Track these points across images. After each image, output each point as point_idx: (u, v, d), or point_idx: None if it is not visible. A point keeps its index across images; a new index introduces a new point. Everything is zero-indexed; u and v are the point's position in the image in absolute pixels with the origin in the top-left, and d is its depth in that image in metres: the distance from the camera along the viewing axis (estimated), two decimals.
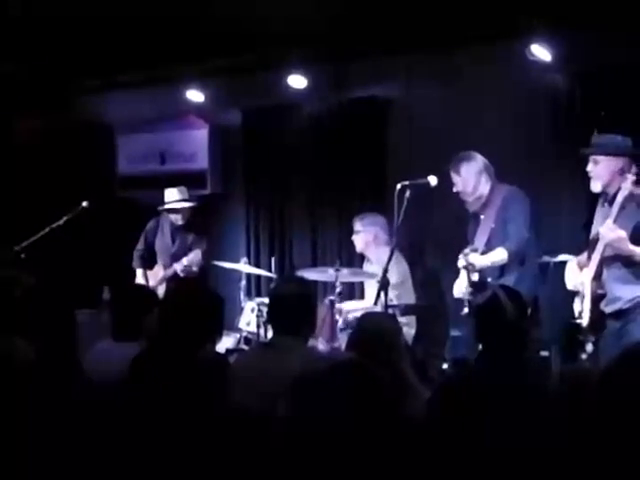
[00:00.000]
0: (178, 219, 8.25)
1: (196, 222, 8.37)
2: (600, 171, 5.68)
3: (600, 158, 5.70)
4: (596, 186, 5.72)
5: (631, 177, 5.48)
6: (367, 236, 7.81)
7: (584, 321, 5.57)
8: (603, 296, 5.56)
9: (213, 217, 9.48)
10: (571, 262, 5.91)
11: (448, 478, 2.81)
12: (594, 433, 2.92)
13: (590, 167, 5.73)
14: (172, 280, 8.10)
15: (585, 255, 5.80)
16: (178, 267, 8.00)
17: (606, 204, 5.68)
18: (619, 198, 5.49)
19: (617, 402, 2.87)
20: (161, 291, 8.02)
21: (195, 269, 8.04)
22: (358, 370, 2.67)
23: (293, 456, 2.54)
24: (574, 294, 5.88)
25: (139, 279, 8.33)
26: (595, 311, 5.55)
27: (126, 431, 3.06)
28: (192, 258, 7.94)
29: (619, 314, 5.51)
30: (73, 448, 3.01)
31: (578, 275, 5.74)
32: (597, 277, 5.58)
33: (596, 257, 5.56)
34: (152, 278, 8.29)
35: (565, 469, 2.81)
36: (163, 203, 8.34)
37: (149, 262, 8.44)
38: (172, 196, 8.30)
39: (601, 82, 7.34)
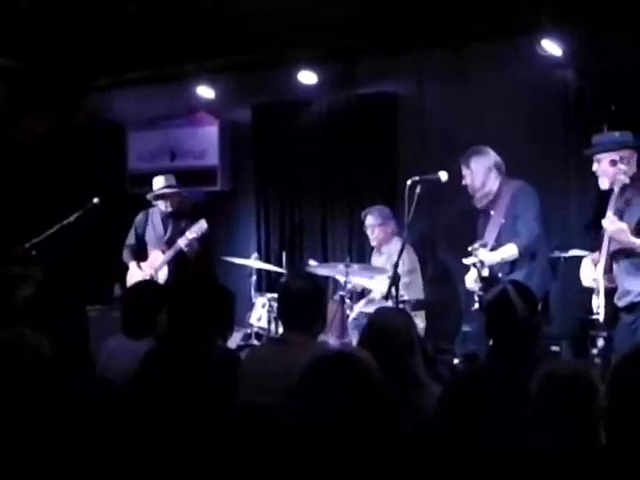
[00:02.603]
0: (167, 206, 8.18)
1: (186, 210, 8.33)
2: (603, 169, 5.70)
3: (601, 156, 5.72)
4: (604, 183, 5.72)
5: (623, 167, 5.51)
6: (387, 229, 7.83)
7: (600, 317, 5.55)
8: (615, 290, 5.55)
9: (223, 213, 9.50)
10: (586, 259, 5.88)
11: (459, 472, 2.81)
12: (604, 428, 2.92)
13: (595, 166, 5.75)
14: (176, 260, 8.04)
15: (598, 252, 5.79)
16: (182, 242, 7.93)
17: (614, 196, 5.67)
18: (615, 189, 5.52)
19: (627, 398, 2.87)
20: (162, 276, 7.98)
21: (197, 244, 7.95)
22: (343, 362, 2.68)
23: (293, 447, 2.56)
24: (585, 289, 5.87)
25: (133, 272, 8.28)
26: (609, 305, 5.53)
27: (137, 426, 3.07)
28: (196, 229, 7.88)
29: (631, 307, 5.48)
30: (84, 443, 3.02)
31: (593, 271, 5.73)
32: (607, 271, 5.57)
33: (604, 251, 5.57)
34: (148, 267, 8.15)
35: (575, 463, 2.81)
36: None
37: (140, 255, 8.38)
38: (159, 183, 8.25)
39: (611, 79, 7.33)
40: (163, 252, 8.10)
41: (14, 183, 9.86)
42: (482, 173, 6.62)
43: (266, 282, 9.12)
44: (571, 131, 7.61)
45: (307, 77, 8.66)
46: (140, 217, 8.45)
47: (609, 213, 5.49)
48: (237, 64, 9.09)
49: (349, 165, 8.82)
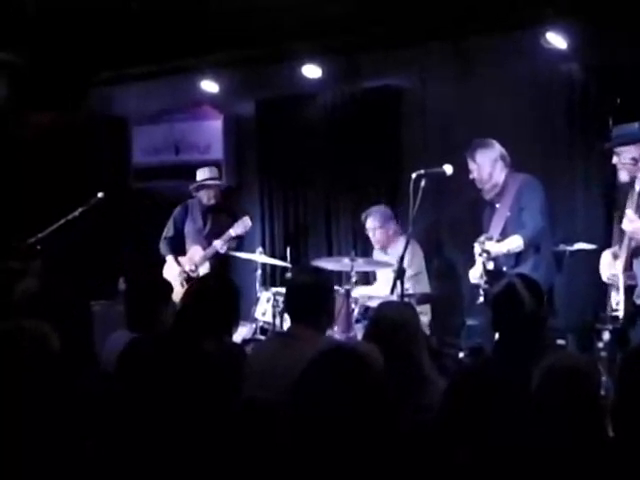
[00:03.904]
0: (210, 198, 8.24)
1: (226, 204, 8.37)
2: (624, 161, 5.64)
3: (621, 149, 5.65)
4: (623, 176, 5.66)
5: None
6: (388, 231, 7.81)
7: (619, 313, 5.50)
8: (634, 287, 5.49)
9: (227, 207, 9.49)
10: (606, 252, 5.83)
11: (462, 469, 2.80)
12: (612, 421, 2.91)
13: (615, 159, 5.69)
14: (216, 257, 8.07)
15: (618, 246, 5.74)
16: (225, 239, 7.96)
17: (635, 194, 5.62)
18: (637, 187, 5.45)
19: (635, 392, 2.86)
20: (203, 271, 8.04)
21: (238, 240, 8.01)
22: (344, 357, 2.67)
23: (294, 443, 2.55)
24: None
25: (170, 266, 8.29)
26: (628, 303, 5.47)
27: (140, 421, 3.06)
28: (241, 227, 7.95)
29: None
30: (87, 436, 3.01)
31: (613, 266, 5.67)
32: (628, 268, 5.51)
33: (625, 247, 5.51)
34: (188, 262, 8.19)
35: (582, 457, 2.80)
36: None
37: (178, 248, 8.40)
38: (204, 174, 8.33)
39: (616, 72, 7.30)
40: (203, 248, 8.12)
41: (18, 178, 9.85)
42: (488, 165, 6.60)
43: (271, 277, 9.11)
44: (576, 124, 7.58)
45: (311, 71, 8.64)
46: (179, 210, 8.48)
47: (628, 211, 5.42)
48: (241, 58, 9.07)
49: (353, 159, 8.80)
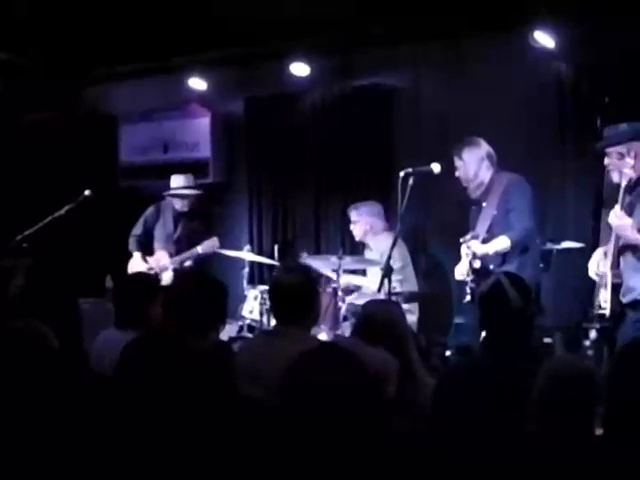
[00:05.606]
0: (184, 206, 8.22)
1: (199, 210, 8.35)
2: (613, 162, 5.66)
3: (611, 149, 5.68)
4: (615, 177, 5.68)
5: (630, 161, 5.48)
6: (364, 225, 7.86)
7: (606, 311, 5.52)
8: (620, 285, 5.50)
9: (216, 206, 9.47)
10: (599, 250, 5.84)
11: (457, 463, 2.80)
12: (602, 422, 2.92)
13: (606, 160, 5.71)
14: (180, 267, 8.07)
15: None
16: (191, 254, 7.97)
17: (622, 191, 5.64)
18: (623, 183, 5.47)
19: (625, 392, 2.87)
20: (166, 277, 8.01)
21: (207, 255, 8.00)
22: (331, 355, 2.67)
23: (282, 441, 2.55)
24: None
25: (137, 262, 8.27)
26: (615, 301, 5.49)
27: (129, 420, 3.06)
28: (207, 246, 7.92)
29: (635, 304, 5.43)
30: (76, 436, 3.01)
31: (602, 264, 5.69)
32: (614, 266, 5.52)
33: (613, 245, 5.53)
34: (154, 263, 8.20)
35: (571, 455, 2.81)
36: (167, 190, 8.33)
37: (146, 247, 8.39)
38: (179, 182, 8.28)
39: (605, 70, 7.32)
40: (170, 254, 8.10)
41: (6, 175, 9.83)
42: (474, 164, 6.61)
43: (258, 274, 9.11)
44: (565, 123, 7.61)
45: (300, 69, 8.63)
46: (151, 210, 8.46)
47: (616, 207, 5.44)
48: (230, 56, 9.06)
49: (343, 157, 8.81)
